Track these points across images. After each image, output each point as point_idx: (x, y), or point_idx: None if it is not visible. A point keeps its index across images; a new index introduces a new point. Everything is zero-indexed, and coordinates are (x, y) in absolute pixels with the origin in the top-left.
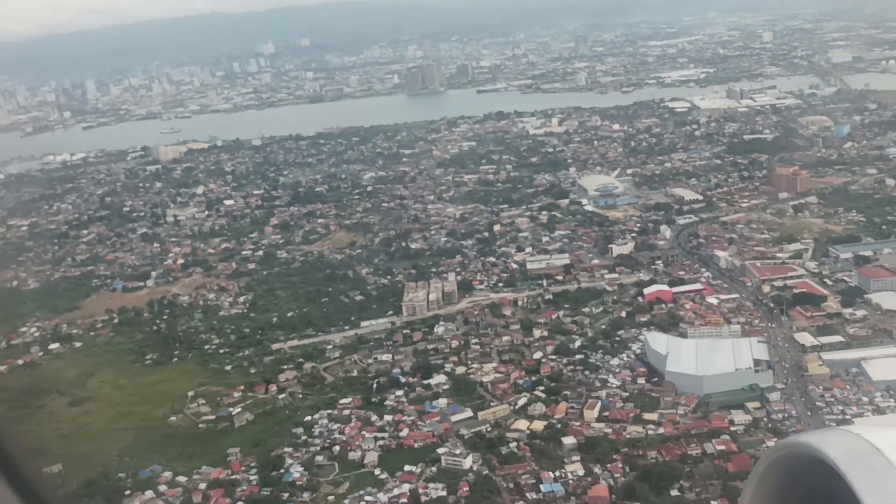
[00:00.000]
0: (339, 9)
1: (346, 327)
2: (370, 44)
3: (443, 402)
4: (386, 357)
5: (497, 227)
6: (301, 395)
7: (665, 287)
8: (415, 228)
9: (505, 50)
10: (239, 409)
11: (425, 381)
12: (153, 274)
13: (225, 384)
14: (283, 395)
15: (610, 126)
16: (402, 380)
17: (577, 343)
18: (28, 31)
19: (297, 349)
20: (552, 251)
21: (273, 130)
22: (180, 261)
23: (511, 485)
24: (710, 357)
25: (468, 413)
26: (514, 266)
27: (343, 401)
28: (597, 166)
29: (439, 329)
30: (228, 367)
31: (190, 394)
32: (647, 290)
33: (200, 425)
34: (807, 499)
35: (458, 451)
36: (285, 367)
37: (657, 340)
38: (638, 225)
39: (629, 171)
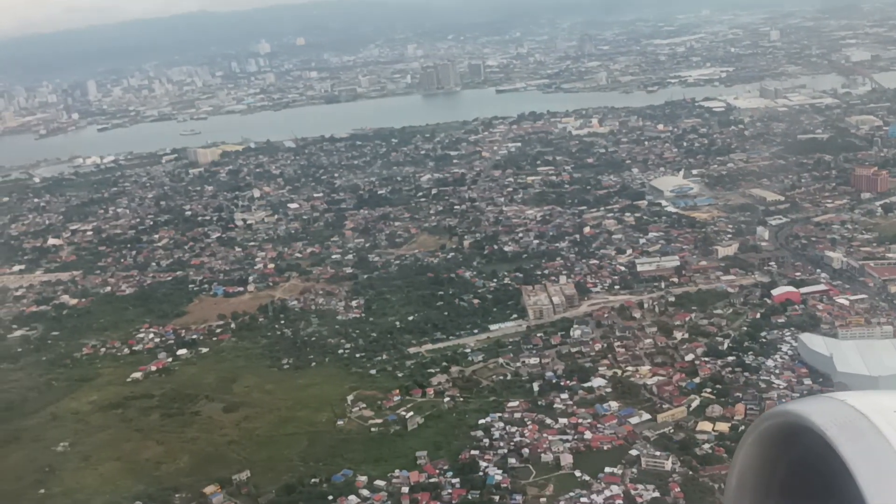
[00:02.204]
0: (329, 7)
1: (476, 331)
2: (365, 42)
3: (614, 404)
4: (533, 360)
5: (587, 230)
6: (462, 399)
7: (792, 288)
8: (501, 231)
9: (508, 48)
10: (412, 413)
11: (585, 384)
12: (250, 279)
13: (377, 388)
14: (448, 399)
15: (654, 126)
16: (561, 383)
17: (725, 345)
18: (11, 30)
19: (434, 353)
20: (653, 252)
21: (300, 131)
22: (271, 265)
23: (719, 485)
24: (878, 357)
25: (645, 415)
26: (622, 268)
27: (511, 404)
28: (659, 167)
29: (575, 332)
30: (373, 372)
31: (349, 398)
32: (774, 292)
33: (372, 429)
34: (795, 467)
35: (657, 453)
36: (431, 370)
37: (815, 342)
38: (730, 226)
39: (694, 172)
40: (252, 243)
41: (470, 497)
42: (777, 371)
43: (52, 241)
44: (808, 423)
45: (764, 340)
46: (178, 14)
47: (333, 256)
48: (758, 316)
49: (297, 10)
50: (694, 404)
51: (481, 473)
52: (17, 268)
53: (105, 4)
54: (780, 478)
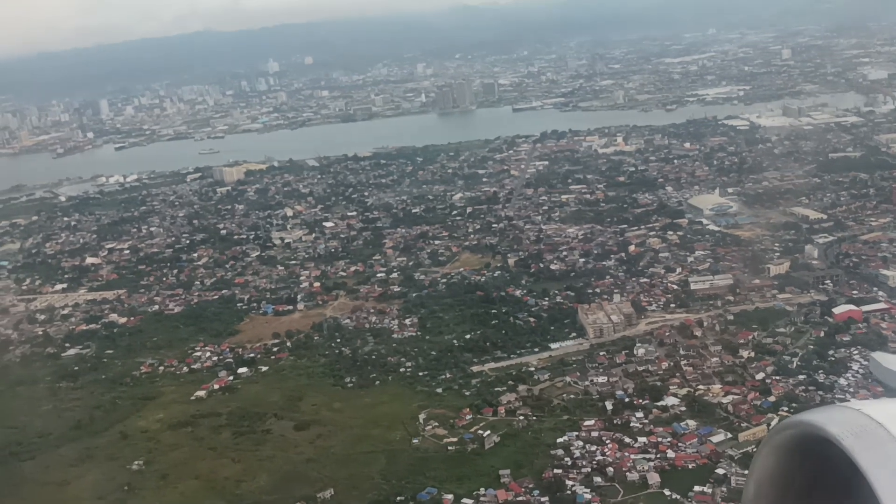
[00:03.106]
0: (334, 26)
1: (536, 349)
2: (373, 61)
3: (691, 423)
4: (602, 379)
5: (632, 248)
6: (535, 418)
7: (853, 307)
8: (544, 249)
9: (518, 67)
10: (489, 432)
11: (658, 403)
12: (299, 297)
13: (446, 407)
14: (521, 418)
15: (681, 144)
16: (633, 401)
17: (794, 363)
18: (19, 50)
19: (497, 371)
20: (703, 271)
21: (320, 150)
22: (317, 284)
23: None
24: None
25: (726, 434)
26: (674, 287)
27: (587, 423)
28: (693, 185)
29: (639, 351)
30: (439, 390)
31: (421, 416)
32: (836, 310)
33: (449, 447)
34: (812, 476)
35: (745, 472)
36: (498, 389)
37: (888, 360)
38: (776, 244)
39: (730, 190)
40: (293, 262)
41: None
42: (851, 389)
43: (90, 259)
44: (824, 433)
45: (833, 359)
46: (185, 33)
47: (378, 275)
48: (822, 334)
49: (303, 30)
50: (773, 423)
51: (569, 492)
52: (59, 286)
53: (112, 24)
54: (797, 488)
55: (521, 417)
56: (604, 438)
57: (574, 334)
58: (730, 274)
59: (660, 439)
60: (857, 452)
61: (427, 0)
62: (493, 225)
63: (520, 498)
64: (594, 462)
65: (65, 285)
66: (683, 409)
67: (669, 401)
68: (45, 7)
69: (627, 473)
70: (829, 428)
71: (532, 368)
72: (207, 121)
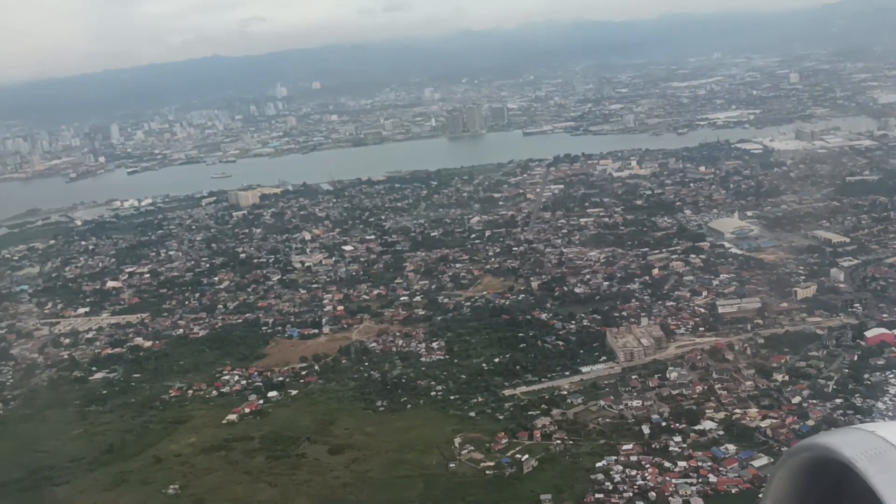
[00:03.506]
0: (340, 52)
1: (567, 373)
2: (380, 86)
3: (731, 447)
4: (636, 403)
5: (656, 271)
6: (571, 442)
7: (885, 330)
8: (566, 272)
9: (525, 91)
10: (526, 456)
11: (695, 427)
12: (323, 321)
13: (480, 431)
14: (558, 442)
15: (696, 168)
16: (670, 425)
17: (830, 387)
18: (25, 76)
19: (530, 395)
20: (729, 294)
21: (334, 174)
22: (340, 307)
23: None
24: None
25: (766, 458)
26: (702, 310)
27: (625, 447)
28: (711, 209)
29: (671, 374)
30: (472, 414)
31: (457, 440)
32: (868, 334)
33: (487, 472)
34: (827, 499)
35: None
36: (531, 412)
37: None
38: (801, 268)
39: (749, 214)
40: (315, 285)
41: None
42: (890, 413)
43: (110, 283)
44: (838, 456)
45: (868, 382)
46: (192, 59)
47: (401, 298)
48: (855, 358)
49: (310, 55)
50: None
51: None
52: (81, 310)
53: (121, 50)
54: None
55: (558, 441)
56: (643, 463)
57: (604, 358)
58: (757, 297)
59: (700, 464)
60: (871, 475)
61: (432, 26)
62: (513, 248)
63: None
64: (635, 487)
65: (87, 309)
66: (721, 433)
67: (706, 425)
68: (54, 32)
69: (670, 498)
70: (843, 451)
71: (564, 392)
72: (218, 145)
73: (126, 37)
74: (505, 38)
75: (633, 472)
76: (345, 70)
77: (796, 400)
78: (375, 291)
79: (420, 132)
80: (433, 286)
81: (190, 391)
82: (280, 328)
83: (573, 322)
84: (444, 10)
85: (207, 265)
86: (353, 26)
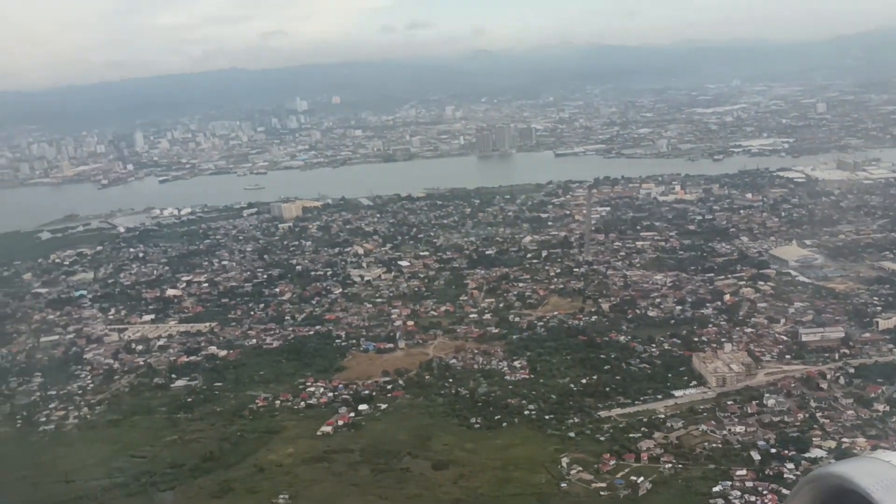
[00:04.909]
0: (357, 68)
1: (659, 396)
2: (400, 103)
3: None
4: (739, 428)
5: (727, 297)
6: (681, 465)
7: None
8: (635, 295)
9: (546, 113)
10: (641, 478)
11: (805, 455)
12: (397, 335)
13: (584, 451)
14: (668, 466)
15: (742, 195)
16: (779, 452)
17: None
18: (46, 82)
19: (626, 417)
20: (807, 323)
21: (371, 189)
22: (410, 322)
23: None
24: None
25: None
26: (784, 338)
27: (738, 472)
28: (768, 237)
29: (769, 401)
30: (571, 434)
31: (564, 460)
32: None
33: (601, 493)
34: None
35: None
36: (632, 435)
37: None
38: (875, 298)
39: (808, 243)
40: (379, 300)
41: None
42: None
43: (170, 291)
44: (853, 485)
45: None
46: (211, 70)
47: (471, 315)
48: None
49: (328, 70)
50: None
51: None
52: (146, 317)
53: (140, 59)
54: None
55: (668, 465)
56: (759, 489)
57: (694, 382)
58: (839, 327)
59: None
60: None
61: (449, 45)
62: (574, 269)
63: None
64: None
65: (152, 316)
66: (833, 461)
67: (816, 453)
68: (74, 41)
69: None
70: (858, 480)
71: (661, 416)
72: (245, 156)
73: (145, 47)
74: (520, 60)
75: (753, 499)
76: (362, 86)
77: None
78: (442, 308)
79: (448, 150)
80: (500, 304)
81: (277, 402)
82: (354, 341)
83: (653, 345)
84: (464, 29)
85: (264, 276)
86: (370, 43)
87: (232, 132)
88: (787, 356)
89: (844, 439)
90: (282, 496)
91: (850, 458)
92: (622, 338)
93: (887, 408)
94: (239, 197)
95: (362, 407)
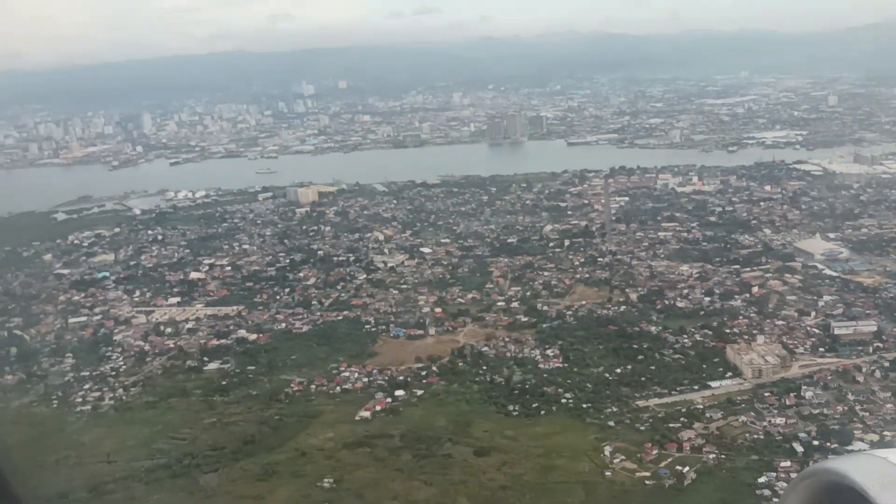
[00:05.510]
0: (363, 53)
1: (695, 387)
2: (406, 89)
3: None
4: (779, 420)
5: (755, 290)
6: (724, 456)
7: None
8: (662, 286)
9: (555, 101)
10: (687, 468)
11: (847, 447)
12: (426, 322)
13: (626, 441)
14: (712, 456)
15: (761, 187)
16: (822, 444)
17: None
18: (50, 62)
19: (664, 408)
20: (838, 316)
21: (385, 175)
22: (438, 309)
23: None
24: None
25: None
26: (816, 330)
27: (783, 464)
28: (791, 229)
29: (807, 393)
30: (611, 423)
31: (607, 449)
32: None
33: (646, 482)
34: None
35: None
36: (672, 425)
37: None
38: None
39: (831, 236)
40: (404, 286)
41: None
42: None
43: (193, 274)
44: (848, 481)
45: None
46: (215, 53)
47: (498, 303)
48: None
49: (333, 55)
50: None
51: None
52: (172, 300)
53: (145, 40)
54: None
55: (712, 455)
56: None
57: (729, 374)
58: (872, 320)
59: None
60: (883, 503)
61: (454, 32)
62: (598, 259)
63: None
64: None
65: (178, 299)
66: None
67: (859, 445)
68: (77, 19)
69: None
70: (854, 476)
71: (699, 406)
72: (254, 140)
73: (150, 27)
74: (526, 47)
75: None
76: (368, 71)
77: None
78: (469, 295)
79: (459, 137)
80: (527, 293)
81: (312, 386)
82: (384, 327)
83: (685, 336)
84: (470, 16)
85: (287, 261)
86: (377, 28)
87: (239, 115)
88: (821, 349)
89: (886, 432)
90: (326, 480)
91: (848, 454)
92: (653, 328)
93: None
94: (251, 181)
95: (399, 392)
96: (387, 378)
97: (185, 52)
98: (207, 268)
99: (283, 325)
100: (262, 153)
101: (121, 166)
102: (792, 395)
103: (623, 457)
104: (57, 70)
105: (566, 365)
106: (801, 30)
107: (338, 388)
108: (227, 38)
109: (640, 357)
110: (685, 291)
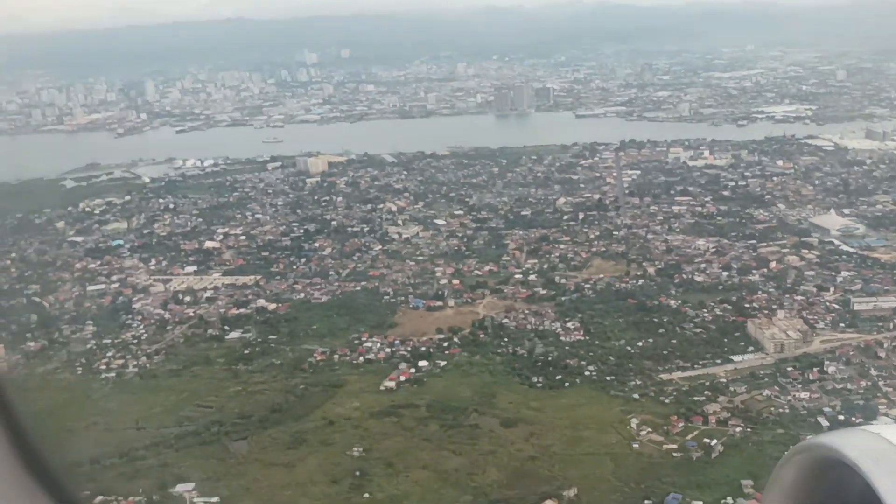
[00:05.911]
0: (365, 22)
1: (718, 361)
2: (410, 58)
3: None
4: (803, 395)
5: (773, 265)
6: (750, 429)
7: None
8: (680, 260)
9: (560, 73)
10: (714, 441)
11: (873, 422)
12: (445, 293)
13: (651, 413)
14: (738, 430)
15: (773, 162)
16: (847, 419)
17: None
18: (49, 26)
19: (687, 381)
20: (857, 292)
21: (394, 146)
22: (455, 281)
23: None
24: None
25: None
26: (835, 306)
27: (808, 437)
28: (806, 204)
29: (830, 368)
30: (635, 396)
31: (634, 421)
32: None
33: (674, 454)
34: (828, 501)
35: None
36: (696, 398)
37: None
38: None
39: (846, 212)
40: (420, 257)
41: None
42: None
43: (208, 243)
44: (841, 457)
45: None
46: (215, 19)
47: (516, 276)
48: None
49: (335, 23)
50: None
51: None
52: (189, 269)
53: (146, 6)
54: None
55: (738, 429)
56: None
57: (751, 348)
58: (892, 296)
59: None
60: (875, 478)
61: (457, 0)
62: (614, 232)
63: None
64: None
65: (195, 268)
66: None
67: (884, 420)
68: None
69: None
70: (846, 451)
71: (723, 380)
72: (259, 108)
73: None
74: (529, 17)
75: None
76: (371, 40)
77: None
78: (486, 267)
79: (465, 108)
80: (544, 266)
81: (335, 356)
82: (402, 298)
83: (705, 310)
84: None
85: (301, 231)
86: None
87: (242, 83)
88: (841, 324)
89: None
90: (356, 449)
91: (841, 429)
92: (672, 302)
93: None
94: (258, 150)
95: (422, 363)
96: (409, 349)
97: (184, 19)
98: (222, 237)
99: (302, 294)
100: (268, 122)
101: (126, 134)
102: (815, 369)
103: (649, 429)
104: (57, 34)
105: (587, 338)
106: (806, 2)
107: (361, 357)
108: (228, 4)
109: (660, 331)
110: (702, 266)
